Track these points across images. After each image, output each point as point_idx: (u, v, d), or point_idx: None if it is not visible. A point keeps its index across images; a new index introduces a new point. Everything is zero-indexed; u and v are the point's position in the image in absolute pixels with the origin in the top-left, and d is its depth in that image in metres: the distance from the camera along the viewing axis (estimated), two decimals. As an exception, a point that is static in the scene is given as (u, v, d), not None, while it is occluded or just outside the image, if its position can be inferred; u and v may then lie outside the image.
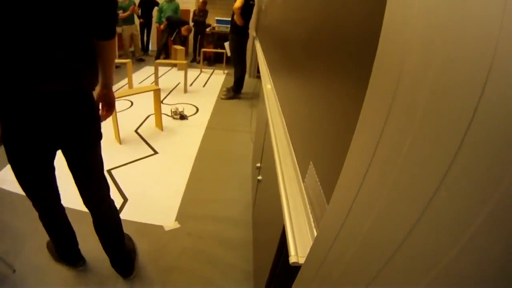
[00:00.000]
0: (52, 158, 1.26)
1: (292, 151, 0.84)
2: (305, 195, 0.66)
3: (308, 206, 0.63)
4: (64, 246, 1.60)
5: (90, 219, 1.48)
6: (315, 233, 0.57)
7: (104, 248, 1.58)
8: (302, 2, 0.96)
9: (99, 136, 1.31)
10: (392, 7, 0.35)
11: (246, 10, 4.13)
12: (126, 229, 1.96)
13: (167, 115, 3.82)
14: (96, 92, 1.30)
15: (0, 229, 1.88)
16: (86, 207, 1.45)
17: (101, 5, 1.06)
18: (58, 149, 1.24)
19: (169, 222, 2.06)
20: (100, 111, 1.34)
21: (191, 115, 3.91)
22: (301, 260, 0.56)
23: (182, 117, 3.80)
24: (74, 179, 1.35)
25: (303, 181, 0.69)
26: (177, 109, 3.83)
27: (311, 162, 0.64)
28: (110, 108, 1.40)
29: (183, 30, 6.57)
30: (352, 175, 0.40)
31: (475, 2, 0.25)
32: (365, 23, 0.45)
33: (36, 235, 1.75)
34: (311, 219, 0.60)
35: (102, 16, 1.10)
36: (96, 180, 1.40)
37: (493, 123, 0.23)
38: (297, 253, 0.57)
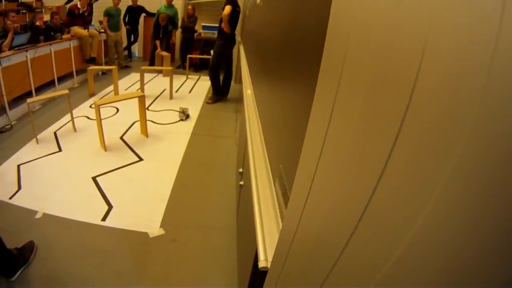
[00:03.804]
0: None
1: (266, 156, 0.85)
2: (276, 200, 0.67)
3: (278, 211, 0.63)
4: None
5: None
6: (283, 237, 0.58)
7: None
8: (273, 7, 0.98)
9: None
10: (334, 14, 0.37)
11: (233, 17, 4.18)
12: (110, 236, 1.95)
13: (153, 121, 3.80)
14: None
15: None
16: None
17: None
18: None
19: (154, 228, 2.04)
20: None
21: (176, 122, 3.89)
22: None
23: (188, 116, 3.99)
24: None
25: (274, 186, 0.70)
26: (184, 109, 3.98)
27: (281, 166, 0.65)
28: None
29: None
30: (304, 176, 0.41)
31: None
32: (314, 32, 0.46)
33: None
34: (280, 224, 0.61)
35: None
36: None
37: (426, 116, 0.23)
38: (267, 257, 0.57)
